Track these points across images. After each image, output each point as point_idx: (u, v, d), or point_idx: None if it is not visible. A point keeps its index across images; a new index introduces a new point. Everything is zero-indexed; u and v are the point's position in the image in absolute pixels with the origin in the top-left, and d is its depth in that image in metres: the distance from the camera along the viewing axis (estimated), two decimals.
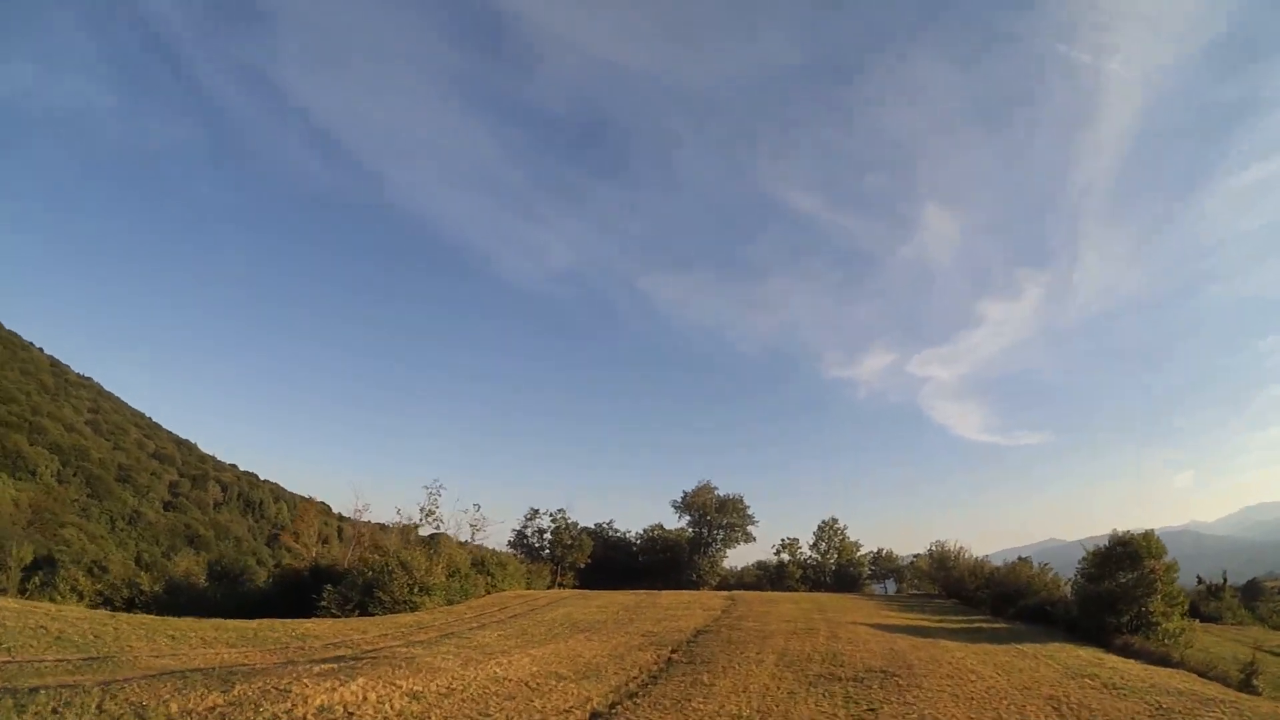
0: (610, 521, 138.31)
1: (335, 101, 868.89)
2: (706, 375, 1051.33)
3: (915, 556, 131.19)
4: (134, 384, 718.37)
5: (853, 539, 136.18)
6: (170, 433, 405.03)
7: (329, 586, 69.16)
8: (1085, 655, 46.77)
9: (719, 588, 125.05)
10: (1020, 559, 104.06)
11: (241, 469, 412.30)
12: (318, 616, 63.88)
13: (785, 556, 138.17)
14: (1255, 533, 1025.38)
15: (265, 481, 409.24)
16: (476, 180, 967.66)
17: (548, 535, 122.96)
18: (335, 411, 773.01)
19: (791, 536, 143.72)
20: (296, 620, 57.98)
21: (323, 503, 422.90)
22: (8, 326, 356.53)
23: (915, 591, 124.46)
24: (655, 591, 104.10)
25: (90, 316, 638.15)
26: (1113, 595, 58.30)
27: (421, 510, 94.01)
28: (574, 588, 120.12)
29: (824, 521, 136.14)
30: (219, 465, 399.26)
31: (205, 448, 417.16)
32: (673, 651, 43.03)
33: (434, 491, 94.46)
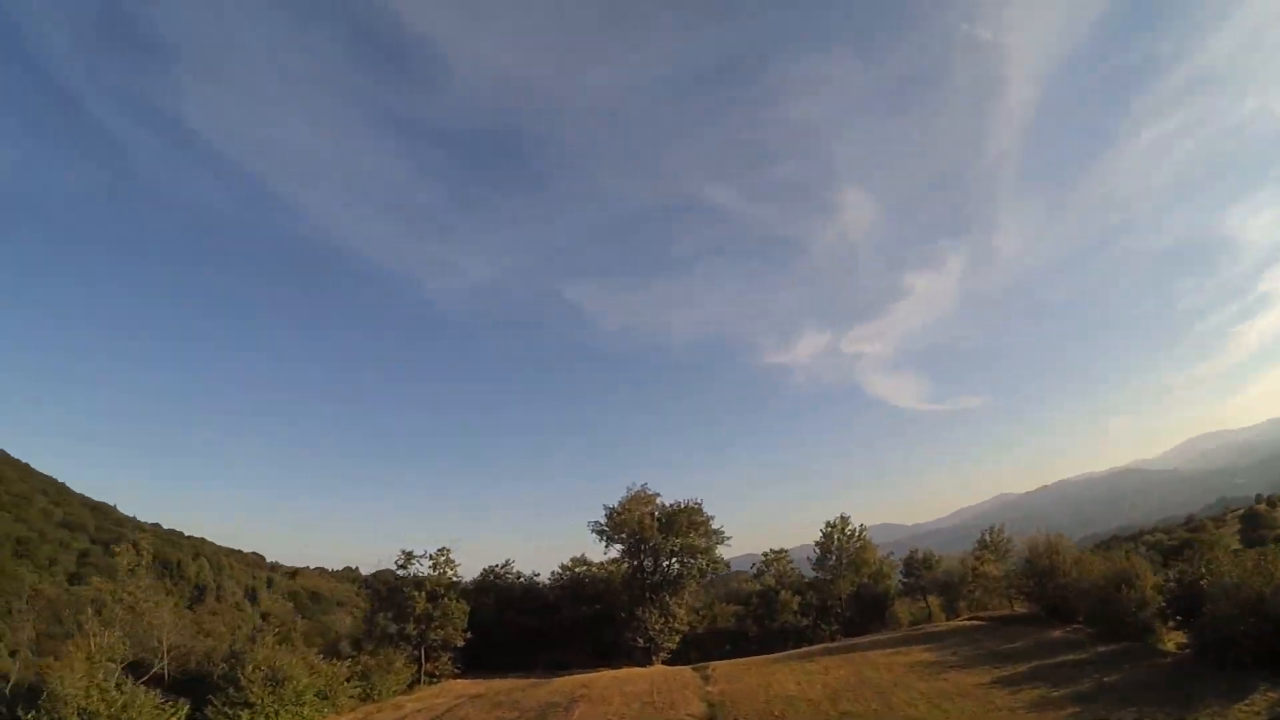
0: (508, 564, 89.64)
1: (240, 132, 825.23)
2: (638, 379, 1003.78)
3: (976, 556, 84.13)
4: (47, 448, 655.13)
5: (868, 539, 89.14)
6: (83, 497, 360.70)
7: None
8: None
9: (680, 652, 78.29)
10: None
11: (165, 527, 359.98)
12: None
13: (770, 580, 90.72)
14: (1200, 463, 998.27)
15: (189, 538, 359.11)
16: (389, 202, 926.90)
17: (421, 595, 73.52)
18: (262, 454, 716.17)
19: (775, 548, 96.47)
20: None
21: (255, 554, 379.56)
22: None
23: (989, 615, 76.85)
24: (576, 683, 56.32)
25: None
26: None
27: None
28: (452, 676, 73.85)
29: (831, 522, 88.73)
30: (138, 526, 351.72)
31: (125, 509, 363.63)
32: None
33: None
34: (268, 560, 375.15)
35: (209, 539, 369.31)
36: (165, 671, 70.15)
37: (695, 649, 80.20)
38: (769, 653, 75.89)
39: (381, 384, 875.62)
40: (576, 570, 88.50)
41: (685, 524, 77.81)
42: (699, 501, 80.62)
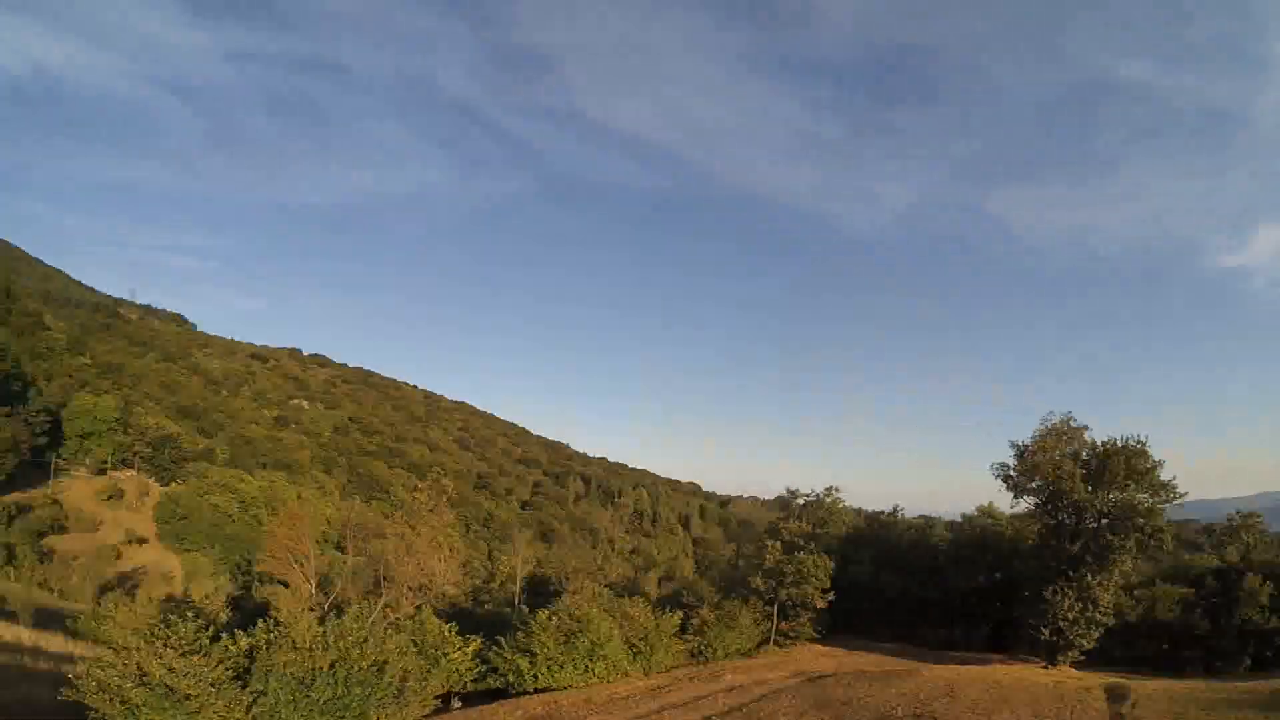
0: (895, 511, 75.49)
1: (640, 113, 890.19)
2: (1063, 292, 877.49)
3: None
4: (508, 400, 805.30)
5: None
6: (540, 437, 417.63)
7: None
8: None
9: (1095, 656, 57.88)
10: None
11: (611, 460, 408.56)
12: None
13: (1234, 554, 67.77)
14: None
15: (631, 470, 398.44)
16: (793, 145, 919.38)
17: (776, 545, 62.80)
18: (702, 390, 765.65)
19: (1241, 509, 73.50)
20: None
21: (691, 483, 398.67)
22: (387, 375, 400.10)
23: None
24: (939, 686, 42.33)
25: (484, 354, 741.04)
26: None
27: None
28: (810, 640, 63.20)
29: None
30: (586, 460, 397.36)
31: (577, 446, 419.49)
32: None
33: None
34: (703, 489, 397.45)
35: (650, 470, 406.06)
36: (516, 601, 66.77)
37: (1122, 644, 59.97)
38: (1225, 665, 56.78)
39: (811, 323, 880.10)
40: (977, 523, 71.44)
41: (1121, 471, 55.24)
42: (1141, 440, 56.42)
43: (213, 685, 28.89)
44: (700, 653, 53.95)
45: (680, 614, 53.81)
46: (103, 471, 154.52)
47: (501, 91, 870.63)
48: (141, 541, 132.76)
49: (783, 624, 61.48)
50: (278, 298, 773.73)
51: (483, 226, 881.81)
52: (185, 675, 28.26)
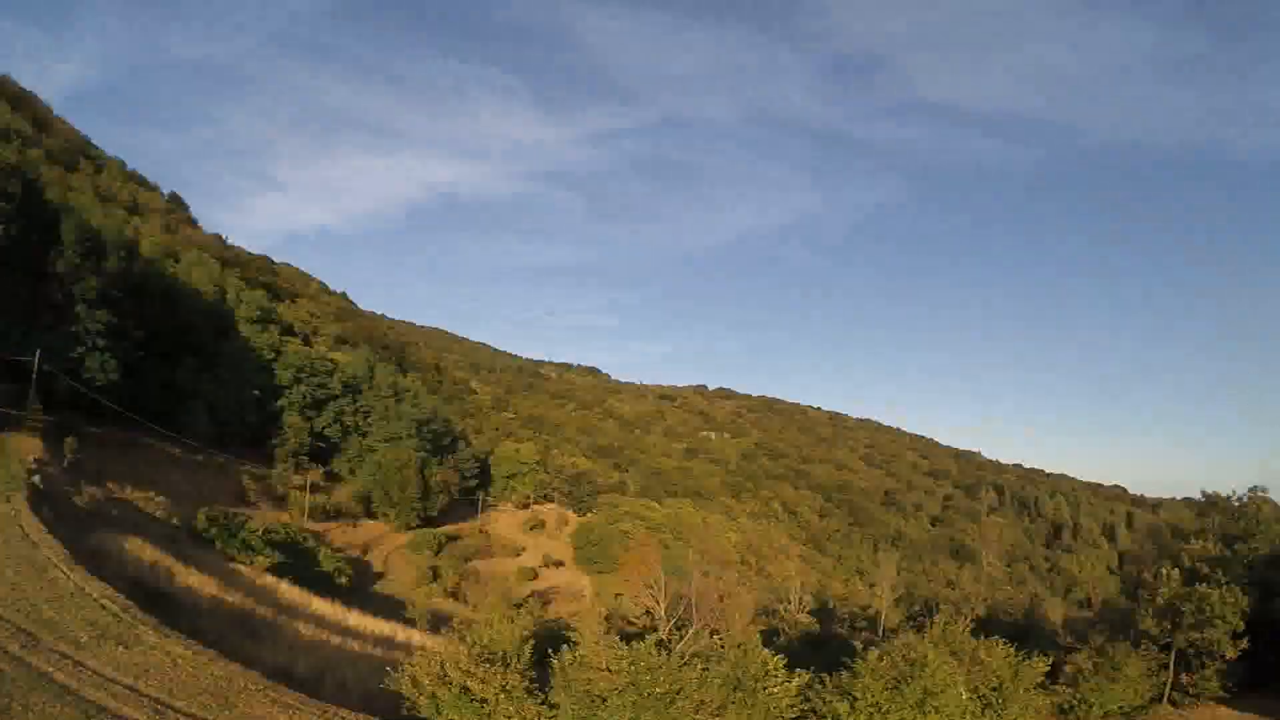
0: None
1: (986, 86, 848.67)
2: None
3: None
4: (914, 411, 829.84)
5: None
6: (949, 448, 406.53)
7: None
8: None
9: None
10: None
11: (1025, 467, 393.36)
12: None
13: None
14: None
15: (1048, 476, 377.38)
16: (1156, 74, 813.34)
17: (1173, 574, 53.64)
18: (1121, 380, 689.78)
19: None
20: None
21: (1115, 486, 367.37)
22: (791, 400, 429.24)
23: None
24: None
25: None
26: None
27: None
28: (1216, 699, 50.84)
29: None
30: (998, 468, 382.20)
31: (988, 454, 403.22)
32: None
33: None
34: (1130, 493, 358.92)
35: (1069, 474, 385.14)
36: (880, 630, 64.56)
37: None
38: None
39: (1225, 279, 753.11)
40: None
41: None
42: None
43: (505, 692, 31.03)
44: (1072, 709, 47.11)
45: (1048, 659, 47.51)
46: (526, 506, 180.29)
47: (843, 103, 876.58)
48: (558, 564, 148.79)
49: (1182, 676, 51.95)
50: (681, 340, 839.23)
51: (863, 238, 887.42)
52: (479, 680, 30.82)
